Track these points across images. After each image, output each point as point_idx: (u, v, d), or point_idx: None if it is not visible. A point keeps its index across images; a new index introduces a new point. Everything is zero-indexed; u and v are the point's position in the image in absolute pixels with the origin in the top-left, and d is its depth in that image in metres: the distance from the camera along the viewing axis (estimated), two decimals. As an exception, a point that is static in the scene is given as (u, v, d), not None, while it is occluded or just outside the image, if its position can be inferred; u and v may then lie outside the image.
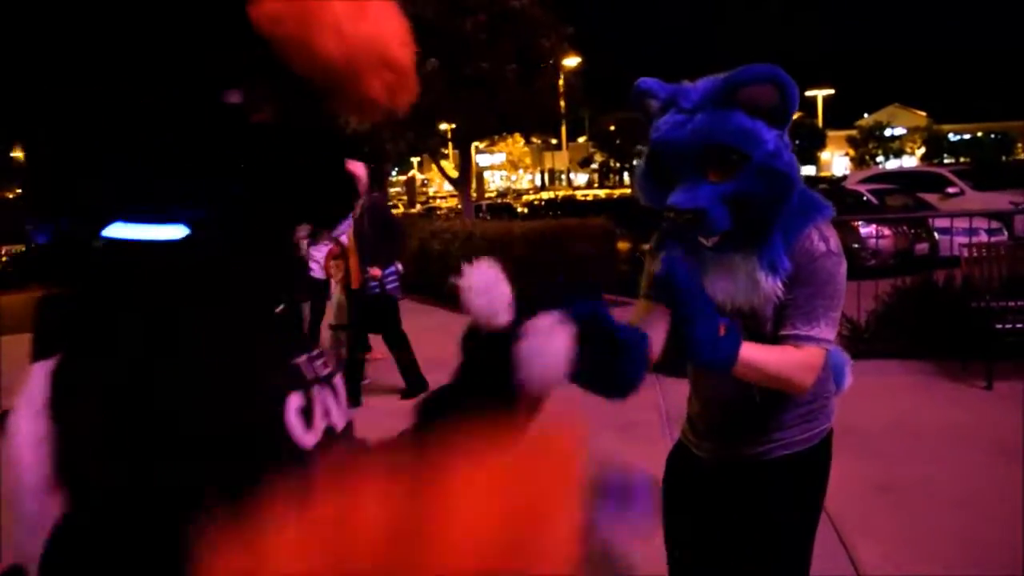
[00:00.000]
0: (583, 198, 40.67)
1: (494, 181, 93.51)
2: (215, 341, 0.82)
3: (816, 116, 67.73)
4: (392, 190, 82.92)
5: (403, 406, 6.25)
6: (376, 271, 6.83)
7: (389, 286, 6.92)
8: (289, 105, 0.88)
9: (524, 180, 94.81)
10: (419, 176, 50.03)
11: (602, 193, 46.67)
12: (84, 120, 0.81)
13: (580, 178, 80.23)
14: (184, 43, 0.81)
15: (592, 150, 70.17)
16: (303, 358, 0.93)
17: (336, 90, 0.88)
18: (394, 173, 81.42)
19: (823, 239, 1.91)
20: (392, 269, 6.97)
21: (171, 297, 0.82)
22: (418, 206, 45.70)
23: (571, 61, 45.49)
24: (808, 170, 65.98)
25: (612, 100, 57.72)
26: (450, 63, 12.98)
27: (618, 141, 58.79)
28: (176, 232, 0.84)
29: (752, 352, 1.81)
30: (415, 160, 32.74)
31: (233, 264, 0.88)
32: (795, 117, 1.92)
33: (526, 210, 34.05)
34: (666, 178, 1.91)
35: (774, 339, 1.92)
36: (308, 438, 0.89)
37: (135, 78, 0.80)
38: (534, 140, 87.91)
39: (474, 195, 62.90)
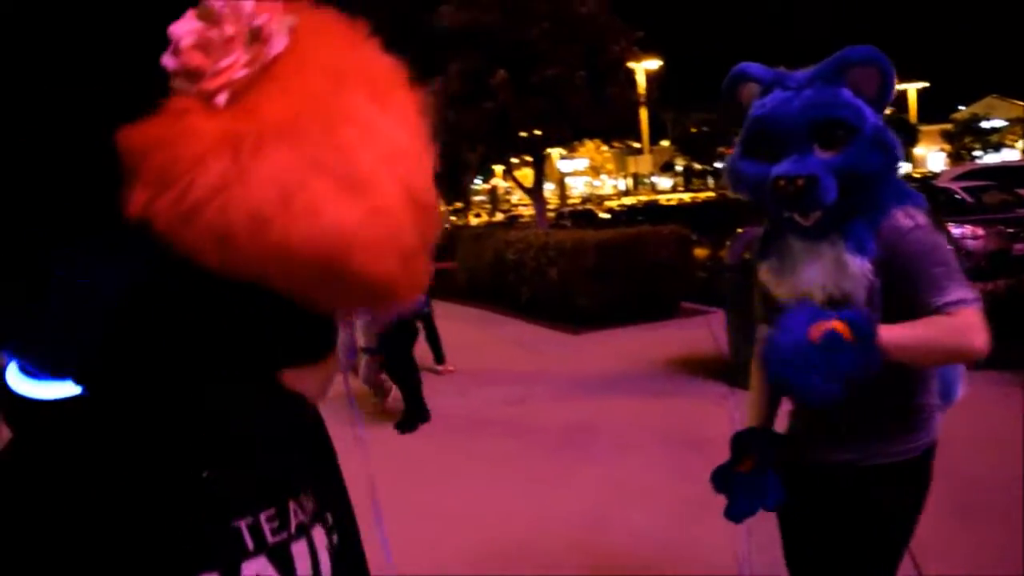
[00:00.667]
0: (667, 203, 40.14)
1: (577, 187, 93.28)
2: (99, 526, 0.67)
3: (907, 111, 65.52)
4: (476, 198, 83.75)
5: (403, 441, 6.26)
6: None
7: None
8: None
9: (608, 185, 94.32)
10: (502, 184, 50.25)
11: (686, 197, 45.90)
12: None
13: (665, 182, 79.22)
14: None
15: (674, 154, 69.29)
16: (246, 520, 0.75)
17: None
18: (478, 182, 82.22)
19: (909, 216, 1.88)
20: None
21: (58, 474, 0.68)
22: (499, 215, 45.68)
23: (651, 64, 44.85)
24: (903, 168, 63.71)
25: (693, 102, 56.95)
26: (517, 72, 12.86)
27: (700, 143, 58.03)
28: (67, 390, 0.70)
29: (897, 334, 1.75)
30: (499, 168, 32.68)
31: (135, 429, 0.70)
32: (886, 113, 1.96)
33: (608, 216, 33.79)
34: (769, 154, 1.92)
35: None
36: None
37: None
38: (616, 145, 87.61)
39: (556, 202, 62.72)
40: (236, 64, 0.64)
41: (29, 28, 0.65)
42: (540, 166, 16.05)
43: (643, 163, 68.61)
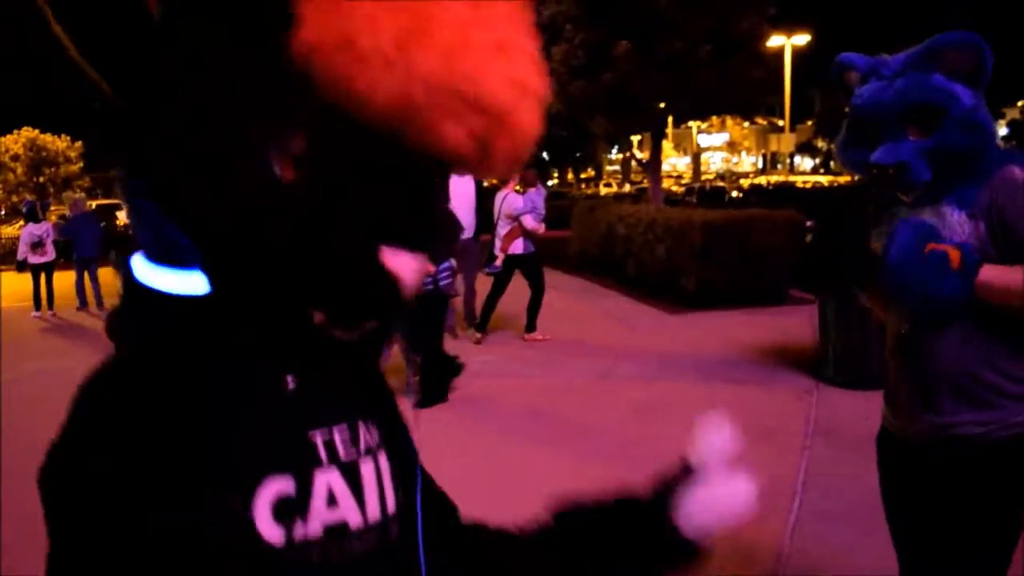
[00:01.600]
0: (803, 185, 38.77)
1: (715, 162, 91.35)
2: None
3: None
4: (610, 168, 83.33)
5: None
6: (429, 267, 6.67)
7: (442, 283, 6.60)
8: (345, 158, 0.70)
9: (746, 163, 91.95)
10: (639, 155, 49.88)
11: (824, 180, 44.17)
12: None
13: (807, 163, 76.46)
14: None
15: (814, 135, 66.70)
16: (325, 428, 0.80)
17: (402, 136, 0.69)
18: (614, 153, 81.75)
19: (1022, 170, 1.95)
20: (446, 265, 6.65)
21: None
22: (628, 186, 45.24)
23: (800, 39, 43.06)
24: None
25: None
26: (642, 43, 12.70)
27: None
28: (193, 285, 0.74)
29: (993, 275, 1.86)
30: (635, 139, 32.22)
31: (244, 333, 0.75)
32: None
33: (738, 195, 32.97)
34: (869, 141, 2.05)
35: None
36: (277, 537, 0.73)
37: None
38: (759, 121, 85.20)
39: (687, 178, 61.62)
40: None
41: None
42: (658, 140, 15.85)
43: (784, 142, 66.59)
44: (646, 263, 11.45)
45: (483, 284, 9.15)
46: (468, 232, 8.90)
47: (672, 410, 6.20)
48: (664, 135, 16.17)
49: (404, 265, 0.77)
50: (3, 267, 23.44)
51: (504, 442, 5.69)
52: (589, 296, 11.15)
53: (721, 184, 41.50)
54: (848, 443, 5.32)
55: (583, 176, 63.20)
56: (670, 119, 25.08)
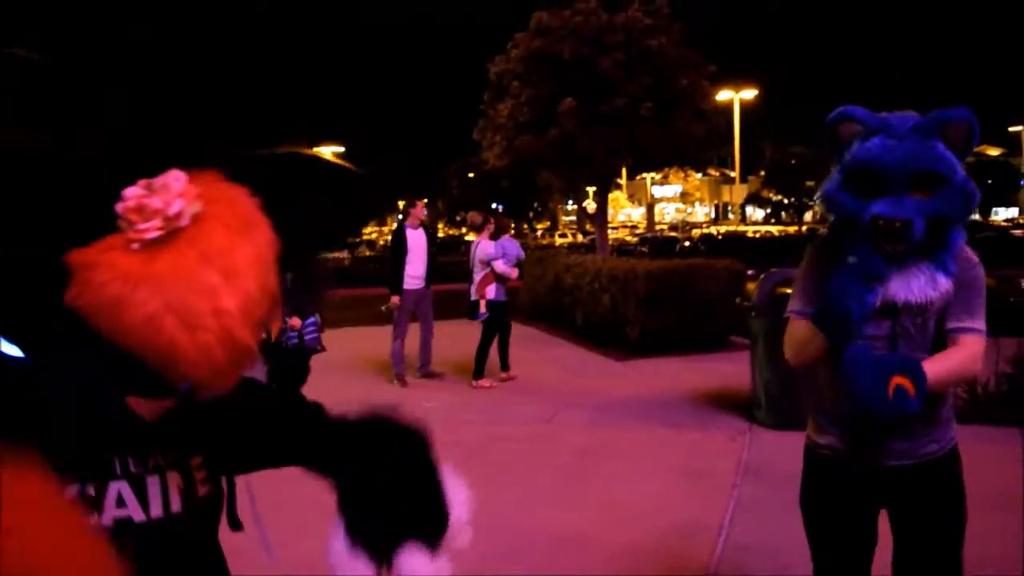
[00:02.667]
0: (753, 235, 39.52)
1: (669, 213, 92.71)
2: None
3: (1020, 154, 63.18)
4: (566, 218, 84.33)
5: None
6: (295, 321, 6.53)
7: (307, 337, 6.66)
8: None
9: (699, 213, 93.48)
10: (590, 208, 50.07)
11: (775, 230, 45.08)
12: None
13: (759, 213, 77.88)
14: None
15: (762, 186, 68.09)
16: (121, 456, 1.19)
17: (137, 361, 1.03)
18: (570, 204, 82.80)
19: (973, 252, 2.40)
20: (312, 320, 6.69)
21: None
22: (581, 237, 45.70)
23: (748, 94, 44.04)
24: (1010, 212, 61.51)
25: (790, 134, 56.05)
26: (586, 100, 13.14)
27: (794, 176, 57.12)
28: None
29: (934, 373, 2.26)
30: (591, 190, 32.84)
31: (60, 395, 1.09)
32: (994, 154, 2.34)
33: (689, 244, 33.53)
34: (867, 191, 2.27)
35: (938, 332, 2.39)
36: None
37: None
38: (711, 172, 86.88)
39: (641, 227, 62.09)
40: (152, 228, 0.98)
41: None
42: (605, 192, 16.26)
43: (736, 192, 67.93)
44: (593, 312, 11.75)
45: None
46: (420, 282, 9.19)
47: (610, 453, 6.44)
48: (611, 187, 16.62)
49: (140, 406, 1.17)
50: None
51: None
52: (539, 345, 11.40)
53: (673, 234, 42.17)
54: (776, 481, 5.57)
55: (539, 227, 63.91)
56: (624, 171, 25.64)
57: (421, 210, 9.72)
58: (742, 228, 49.18)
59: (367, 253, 38.98)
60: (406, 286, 9.26)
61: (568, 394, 8.63)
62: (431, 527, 1.41)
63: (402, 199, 10.16)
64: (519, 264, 9.55)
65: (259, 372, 6.62)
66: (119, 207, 1.00)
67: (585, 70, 13.08)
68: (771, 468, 5.86)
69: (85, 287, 0.97)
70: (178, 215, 0.99)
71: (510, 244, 9.45)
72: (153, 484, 1.21)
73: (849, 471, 2.53)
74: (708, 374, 8.97)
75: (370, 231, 75.14)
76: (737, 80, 42.58)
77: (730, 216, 77.33)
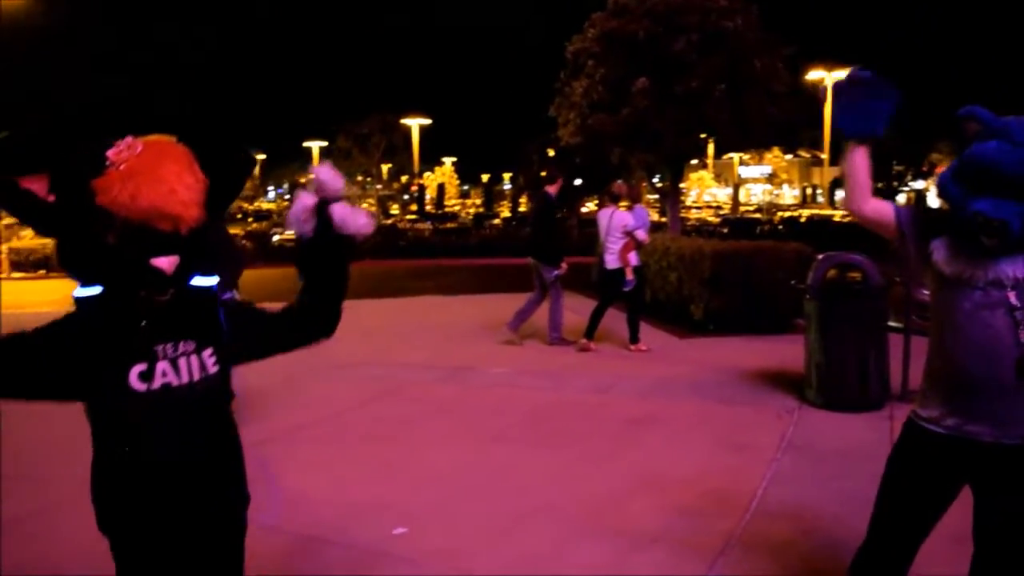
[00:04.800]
0: (841, 219, 38.76)
1: (756, 194, 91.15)
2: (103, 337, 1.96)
3: None
4: (651, 196, 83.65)
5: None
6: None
7: None
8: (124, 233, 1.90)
9: (788, 195, 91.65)
10: (659, 185, 49.64)
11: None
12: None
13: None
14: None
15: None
16: (163, 344, 2.00)
17: (146, 224, 1.90)
18: (656, 181, 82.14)
19: None
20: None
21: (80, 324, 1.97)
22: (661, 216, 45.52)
23: (840, 74, 43.15)
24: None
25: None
26: (659, 80, 13.25)
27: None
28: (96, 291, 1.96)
29: None
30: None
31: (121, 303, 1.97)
32: None
33: (768, 227, 33.15)
34: (975, 186, 2.49)
35: None
36: (140, 387, 1.96)
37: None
38: (802, 154, 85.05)
39: (726, 208, 61.06)
40: (124, 161, 1.90)
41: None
42: (676, 173, 16.34)
43: (825, 175, 66.48)
44: (660, 289, 11.95)
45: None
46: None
47: (659, 423, 6.72)
48: (683, 167, 16.66)
49: (162, 263, 1.92)
50: (59, 274, 24.46)
51: (503, 444, 6.24)
52: (606, 319, 11.62)
53: (757, 216, 41.68)
54: (816, 457, 5.79)
55: (622, 206, 63.67)
56: (711, 150, 25.51)
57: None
58: (829, 211, 48.25)
59: (449, 225, 39.75)
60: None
61: (627, 367, 8.92)
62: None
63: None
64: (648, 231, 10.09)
65: None
66: (109, 155, 1.88)
67: (658, 50, 13.18)
68: (813, 445, 6.07)
69: (103, 193, 1.84)
70: (134, 148, 1.90)
71: (643, 212, 9.90)
72: (183, 363, 2.01)
73: (945, 442, 2.65)
74: (766, 354, 9.12)
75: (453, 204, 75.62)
76: (831, 60, 41.68)
77: (819, 199, 75.75)
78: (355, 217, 2.28)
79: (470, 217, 51.18)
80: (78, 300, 1.96)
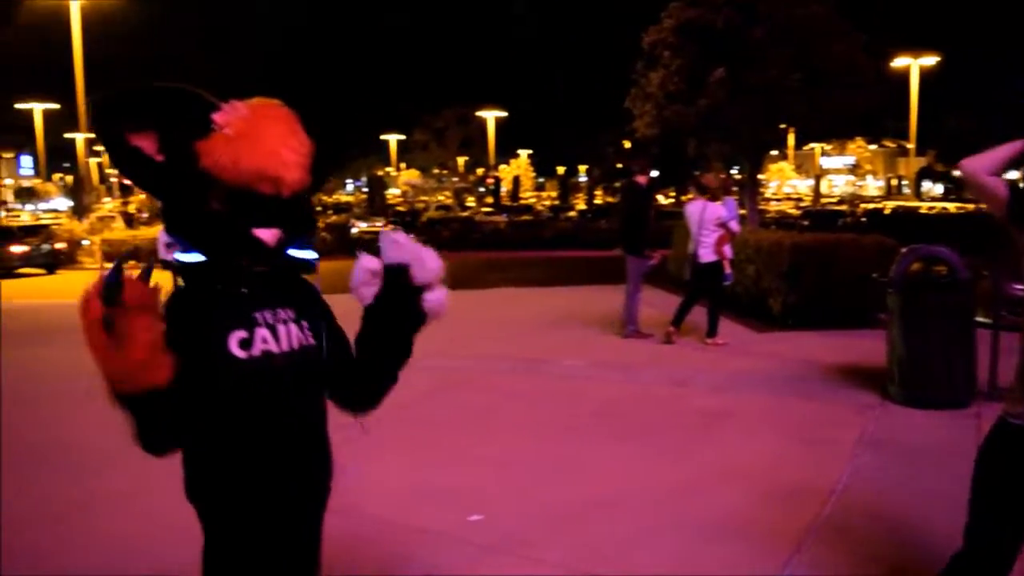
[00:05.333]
0: (927, 211, 37.57)
1: (838, 185, 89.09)
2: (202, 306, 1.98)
3: None
4: (735, 188, 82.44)
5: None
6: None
7: None
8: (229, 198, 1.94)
9: (872, 186, 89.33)
10: (736, 177, 49.06)
11: (952, 207, 42.60)
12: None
13: (939, 188, 73.42)
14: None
15: (936, 159, 64.09)
16: (262, 312, 2.02)
17: (249, 188, 1.93)
18: (734, 172, 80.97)
19: None
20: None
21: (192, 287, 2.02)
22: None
23: (928, 60, 41.67)
24: None
25: (976, 105, 52.64)
26: (735, 71, 13.04)
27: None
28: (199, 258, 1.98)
29: None
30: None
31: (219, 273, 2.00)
32: None
33: (851, 220, 32.31)
34: None
35: None
36: (241, 354, 1.97)
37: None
38: (886, 144, 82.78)
39: (807, 200, 59.69)
40: (232, 124, 1.92)
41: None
42: (757, 165, 16.08)
43: (911, 165, 64.51)
44: (737, 282, 11.78)
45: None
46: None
47: (735, 417, 6.65)
48: (762, 158, 16.39)
49: (264, 234, 1.97)
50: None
51: (576, 435, 6.26)
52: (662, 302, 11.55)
53: (839, 208, 40.68)
54: (898, 454, 5.66)
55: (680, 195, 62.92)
56: (791, 140, 25.09)
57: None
58: (915, 203, 46.81)
59: (524, 218, 39.84)
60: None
61: (703, 360, 8.85)
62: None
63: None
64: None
65: None
66: (214, 118, 1.91)
67: (736, 39, 12.97)
68: (895, 442, 5.93)
69: (207, 156, 1.88)
70: (239, 111, 1.93)
71: (733, 204, 9.89)
72: (282, 330, 2.04)
73: None
74: (846, 349, 8.94)
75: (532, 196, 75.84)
76: (918, 46, 40.46)
77: (904, 191, 73.58)
78: (441, 299, 2.18)
79: (547, 209, 51.19)
80: (181, 266, 1.98)
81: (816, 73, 13.35)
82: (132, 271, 1.76)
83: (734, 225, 9.68)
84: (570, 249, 26.85)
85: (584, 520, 4.64)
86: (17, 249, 24.73)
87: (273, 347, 2.00)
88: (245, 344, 1.96)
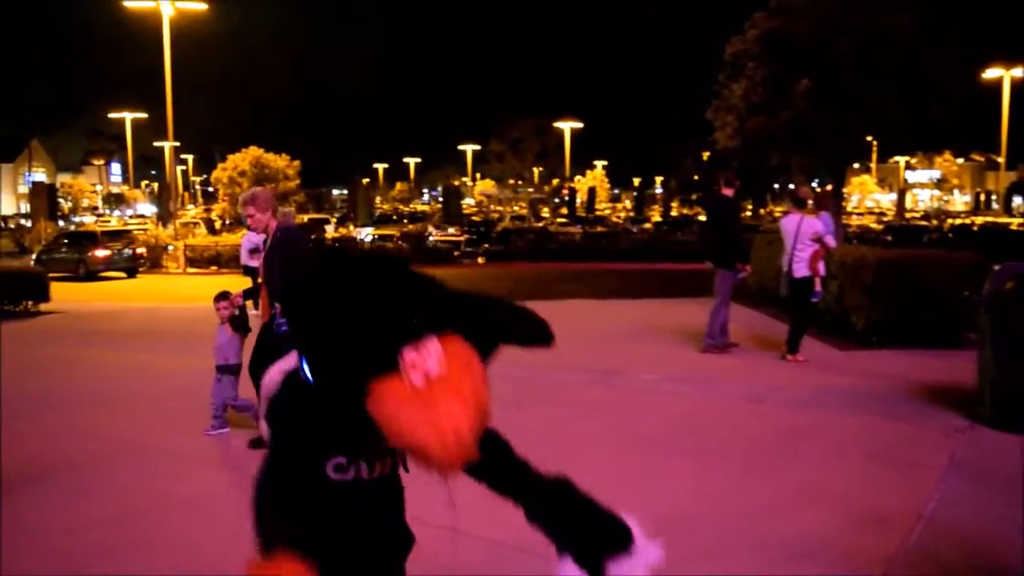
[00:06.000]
0: (1019, 227, 36.26)
1: (923, 200, 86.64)
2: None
3: None
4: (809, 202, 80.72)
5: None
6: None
7: (281, 329, 5.93)
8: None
9: (959, 201, 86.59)
10: (818, 190, 48.08)
11: (1045, 222, 40.97)
12: None
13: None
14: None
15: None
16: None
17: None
18: (815, 185, 79.50)
19: None
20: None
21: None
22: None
23: (1019, 72, 40.22)
24: None
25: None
26: (821, 81, 12.76)
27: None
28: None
29: None
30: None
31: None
32: None
33: (938, 236, 31.33)
34: None
35: None
36: (335, 476, 1.96)
37: None
38: (974, 157, 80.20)
39: (890, 215, 58.24)
40: (418, 379, 1.66)
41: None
42: (839, 177, 15.71)
43: (1002, 179, 62.34)
44: (823, 299, 11.50)
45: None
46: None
47: (816, 436, 6.48)
48: (845, 171, 16.02)
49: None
50: (229, 269, 25.97)
51: (652, 449, 6.18)
52: (763, 327, 11.35)
53: (924, 223, 39.53)
54: (990, 480, 5.44)
55: (776, 209, 61.85)
56: (874, 154, 24.51)
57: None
58: (1005, 219, 45.24)
59: (599, 229, 39.73)
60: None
61: (783, 377, 8.66)
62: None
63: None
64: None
65: (233, 352, 6.80)
66: (402, 360, 1.67)
67: (821, 50, 12.71)
68: (986, 467, 5.71)
69: (377, 403, 1.67)
70: (432, 372, 1.68)
71: (829, 219, 9.70)
72: (374, 459, 2.00)
73: None
74: (933, 369, 8.65)
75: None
76: (1010, 57, 39.19)
77: (994, 206, 71.11)
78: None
79: (621, 221, 50.92)
80: (304, 379, 1.90)
81: (904, 84, 12.98)
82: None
83: (830, 240, 9.49)
84: (645, 261, 26.64)
85: (659, 537, 4.55)
86: (101, 253, 25.76)
87: (365, 474, 2.01)
88: (340, 469, 1.98)
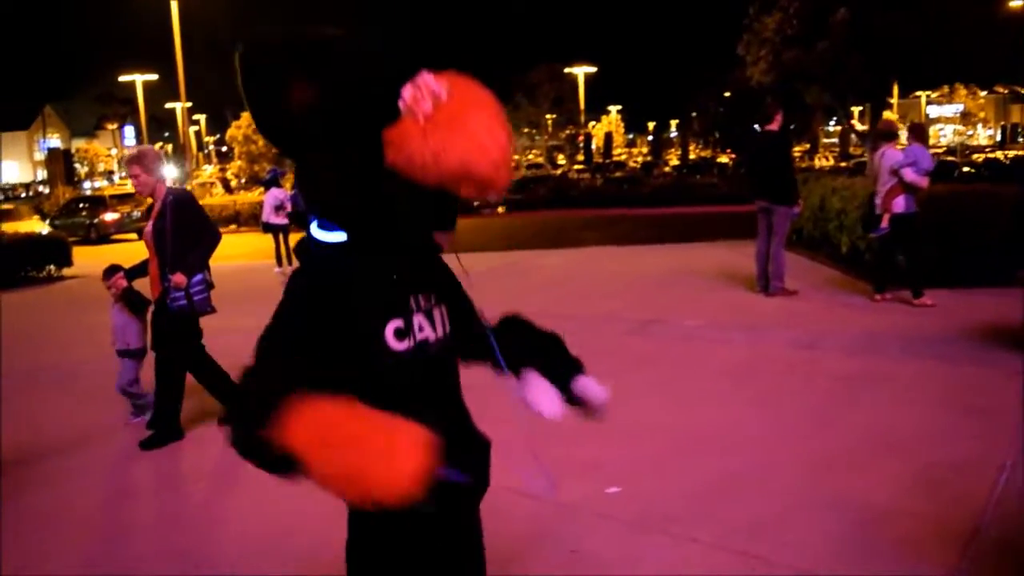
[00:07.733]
0: (1048, 159, 35.46)
1: (945, 135, 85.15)
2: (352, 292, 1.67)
3: None
4: (826, 140, 79.60)
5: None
6: (180, 278, 5.48)
7: (196, 298, 5.59)
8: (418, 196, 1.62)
9: (982, 135, 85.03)
10: (859, 127, 47.34)
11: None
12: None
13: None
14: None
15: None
16: (415, 297, 1.75)
17: (447, 189, 1.59)
18: (831, 125, 78.08)
19: None
20: (199, 278, 5.64)
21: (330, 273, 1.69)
22: (844, 161, 43.17)
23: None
24: None
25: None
26: (859, 12, 12.26)
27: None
28: (341, 237, 1.68)
29: None
30: (856, 110, 30.91)
31: (370, 255, 1.69)
32: None
33: (971, 170, 30.70)
34: None
35: None
36: (400, 345, 1.70)
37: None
38: (998, 90, 78.36)
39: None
40: (426, 107, 1.52)
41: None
42: (878, 111, 15.23)
43: (1027, 112, 60.99)
44: (860, 239, 11.16)
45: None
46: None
47: (875, 381, 6.22)
48: (883, 105, 15.53)
49: (443, 238, 1.82)
50: (248, 228, 25.79)
51: (707, 400, 5.94)
52: (800, 270, 11.02)
53: (951, 159, 38.77)
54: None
55: (797, 150, 60.93)
56: (895, 89, 23.93)
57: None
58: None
59: (618, 174, 39.22)
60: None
61: (829, 321, 8.36)
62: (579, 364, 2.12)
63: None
64: (928, 174, 8.94)
65: (132, 335, 6.07)
66: (402, 101, 1.53)
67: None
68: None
69: (400, 151, 1.53)
70: (440, 93, 1.53)
71: (921, 152, 8.92)
72: (436, 314, 1.80)
73: None
74: (982, 309, 8.31)
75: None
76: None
77: (1020, 139, 69.76)
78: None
79: (638, 166, 50.33)
80: (318, 245, 1.69)
81: (944, 15, 12.45)
82: None
83: (908, 173, 8.64)
84: (667, 206, 26.22)
85: (727, 494, 4.34)
86: (110, 217, 25.85)
87: (429, 335, 1.76)
88: (400, 334, 1.70)
